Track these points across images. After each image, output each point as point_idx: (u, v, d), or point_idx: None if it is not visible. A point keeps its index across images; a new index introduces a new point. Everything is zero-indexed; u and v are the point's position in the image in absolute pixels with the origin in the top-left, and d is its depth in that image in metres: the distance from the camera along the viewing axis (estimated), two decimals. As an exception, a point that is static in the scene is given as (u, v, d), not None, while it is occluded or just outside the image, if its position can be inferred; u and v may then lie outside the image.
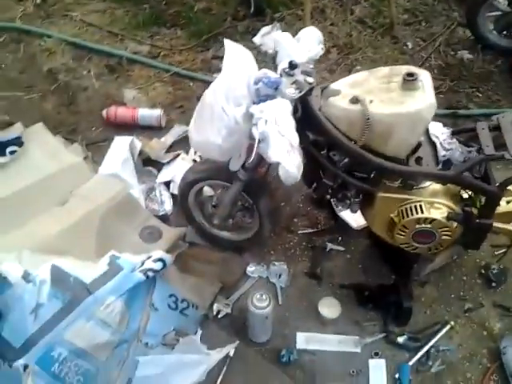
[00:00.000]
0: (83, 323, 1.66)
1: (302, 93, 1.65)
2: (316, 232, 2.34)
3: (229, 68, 1.68)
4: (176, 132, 2.68)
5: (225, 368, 1.87)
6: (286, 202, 2.42)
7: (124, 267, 1.80)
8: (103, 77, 3.07)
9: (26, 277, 1.72)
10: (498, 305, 2.08)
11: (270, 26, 3.23)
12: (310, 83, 1.68)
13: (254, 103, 1.66)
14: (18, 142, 2.23)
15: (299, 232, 2.34)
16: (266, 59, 2.75)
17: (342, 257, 2.26)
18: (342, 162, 1.72)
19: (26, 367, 1.56)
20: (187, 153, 2.59)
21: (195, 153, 2.59)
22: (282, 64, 1.73)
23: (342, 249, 2.28)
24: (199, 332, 1.91)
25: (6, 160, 2.20)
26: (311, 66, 1.75)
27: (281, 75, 1.69)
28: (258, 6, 3.37)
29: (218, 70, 3.03)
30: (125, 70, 3.10)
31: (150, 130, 2.74)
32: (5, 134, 2.27)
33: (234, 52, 1.74)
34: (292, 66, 1.66)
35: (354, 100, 1.63)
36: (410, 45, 3.30)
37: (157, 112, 2.72)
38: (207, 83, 2.95)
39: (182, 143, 2.66)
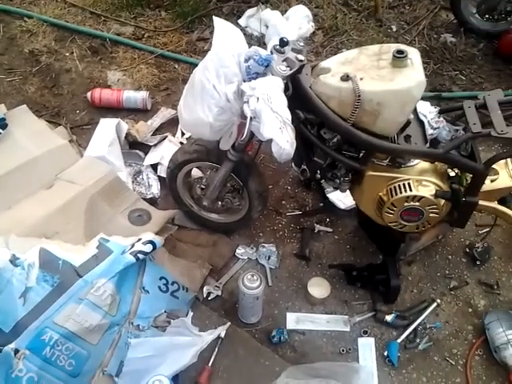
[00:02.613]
0: (74, 306, 1.64)
1: (293, 70, 1.65)
2: (304, 214, 2.34)
3: (219, 45, 1.65)
4: (163, 114, 2.65)
5: (216, 349, 1.87)
6: (273, 185, 2.42)
7: (113, 250, 1.79)
8: (86, 59, 3.02)
9: (14, 261, 1.69)
10: (483, 282, 2.13)
11: (255, 8, 3.25)
12: (301, 61, 1.67)
13: (244, 81, 1.65)
14: (1, 123, 2.17)
15: (287, 214, 2.35)
16: (252, 41, 2.74)
17: (330, 238, 2.28)
18: (333, 140, 1.72)
19: (16, 351, 1.54)
20: (174, 135, 2.56)
21: (182, 135, 2.57)
22: (273, 41, 1.71)
23: (329, 230, 2.29)
24: (190, 314, 1.90)
25: (-11, 142, 2.15)
26: (301, 44, 1.74)
27: (271, 53, 1.68)
28: (242, -12, 3.34)
29: (203, 52, 3.05)
30: (108, 52, 3.05)
31: (136, 112, 2.71)
32: (-13, 116, 2.21)
33: (223, 29, 1.71)
34: (283, 43, 1.64)
35: (345, 77, 1.62)
36: (394, 28, 3.31)
37: (142, 94, 2.68)
38: (192, 65, 2.97)
39: (169, 125, 2.64)
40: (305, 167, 2.08)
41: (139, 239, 1.84)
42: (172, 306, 1.88)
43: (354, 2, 3.42)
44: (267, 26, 1.92)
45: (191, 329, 1.84)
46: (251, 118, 1.56)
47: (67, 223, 1.92)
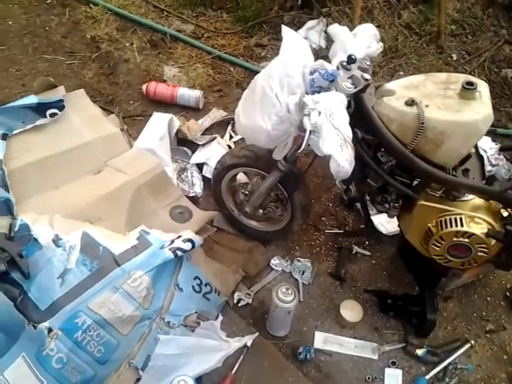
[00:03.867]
0: (109, 294, 1.64)
1: (358, 89, 1.62)
2: (343, 233, 2.31)
3: (286, 55, 1.65)
4: (214, 115, 2.66)
5: (241, 357, 1.85)
6: (315, 200, 2.39)
7: (153, 243, 1.79)
8: (145, 51, 3.07)
9: (57, 241, 1.72)
10: (521, 330, 2.05)
11: (317, 20, 3.23)
12: (367, 80, 1.65)
13: (306, 93, 1.64)
14: (59, 105, 2.21)
15: (326, 231, 2.31)
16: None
17: (367, 261, 2.23)
18: (388, 164, 1.68)
19: (50, 330, 1.55)
20: (222, 137, 2.57)
21: (230, 138, 2.57)
22: (338, 57, 1.69)
23: (367, 253, 2.25)
24: (220, 318, 1.89)
25: (46, 122, 2.19)
26: (368, 63, 1.72)
27: (337, 68, 1.66)
28: (306, -1, 3.34)
29: (260, 58, 3.05)
30: (167, 47, 3.09)
31: (187, 110, 2.73)
32: (47, 96, 2.26)
33: (291, 39, 1.71)
34: (350, 60, 1.62)
35: (410, 102, 1.59)
36: (454, 56, 3.24)
37: (196, 93, 2.70)
38: (248, 70, 2.98)
39: (218, 127, 2.65)
40: (350, 186, 2.05)
41: (179, 236, 1.84)
42: (203, 307, 1.87)
43: (417, 25, 3.37)
44: (330, 41, 1.91)
45: (219, 333, 1.83)
46: (310, 132, 1.54)
47: (111, 210, 1.94)
